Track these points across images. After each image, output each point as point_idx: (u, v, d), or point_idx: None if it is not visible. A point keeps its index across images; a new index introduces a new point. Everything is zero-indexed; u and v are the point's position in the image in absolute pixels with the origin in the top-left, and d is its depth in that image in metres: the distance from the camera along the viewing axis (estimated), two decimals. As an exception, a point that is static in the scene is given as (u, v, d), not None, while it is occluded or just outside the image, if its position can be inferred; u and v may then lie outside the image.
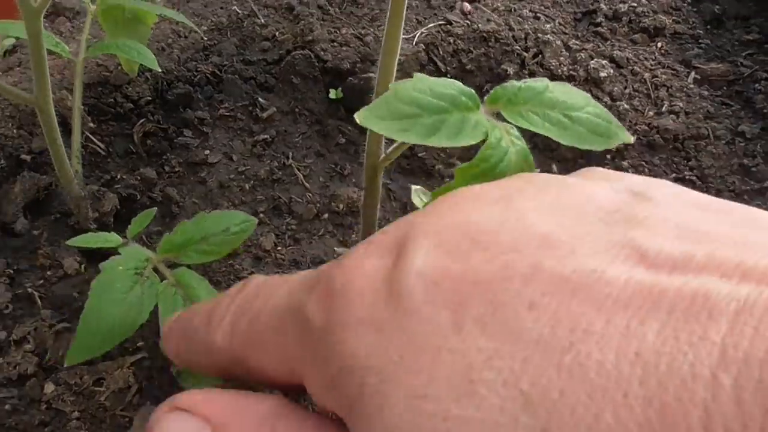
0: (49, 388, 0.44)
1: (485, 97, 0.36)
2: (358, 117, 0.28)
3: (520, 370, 0.19)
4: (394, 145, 0.45)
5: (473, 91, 0.34)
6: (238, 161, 0.64)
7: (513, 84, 0.37)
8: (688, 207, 0.23)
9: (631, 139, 0.37)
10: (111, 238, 0.46)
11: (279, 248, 0.56)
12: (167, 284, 0.41)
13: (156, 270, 0.42)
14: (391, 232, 0.24)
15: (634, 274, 0.20)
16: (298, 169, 0.63)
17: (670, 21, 0.68)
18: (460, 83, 0.34)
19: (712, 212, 0.23)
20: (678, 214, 0.22)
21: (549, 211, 0.23)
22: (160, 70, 0.54)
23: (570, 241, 0.21)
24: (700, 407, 0.16)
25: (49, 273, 0.51)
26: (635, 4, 0.69)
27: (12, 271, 0.51)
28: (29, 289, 0.50)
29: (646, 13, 0.68)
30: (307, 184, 0.62)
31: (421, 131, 0.29)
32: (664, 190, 0.24)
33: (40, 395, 0.43)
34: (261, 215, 0.59)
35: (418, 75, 0.32)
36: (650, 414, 0.17)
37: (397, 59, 0.44)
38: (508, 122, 0.35)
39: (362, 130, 0.67)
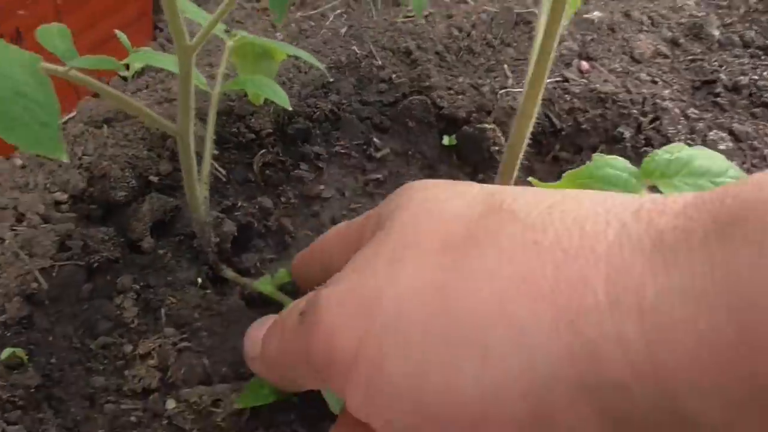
0: (171, 404, 0.46)
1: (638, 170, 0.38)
2: None
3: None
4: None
5: (637, 170, 0.36)
6: (350, 198, 0.66)
7: (662, 156, 0.39)
8: None
9: None
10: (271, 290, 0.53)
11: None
12: None
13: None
14: None
15: None
16: (407, 212, 0.64)
17: (793, 96, 0.67)
18: (628, 163, 0.36)
19: None
20: None
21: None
22: (291, 109, 0.56)
23: None
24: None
25: (172, 292, 0.54)
26: (756, 77, 0.69)
27: (138, 287, 0.54)
28: (154, 307, 0.53)
29: (768, 87, 0.68)
30: (414, 227, 0.63)
31: None
32: None
33: (162, 410, 0.46)
34: (368, 253, 0.61)
35: (596, 158, 0.33)
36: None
37: (537, 108, 0.45)
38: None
39: (473, 179, 0.68)
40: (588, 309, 0.21)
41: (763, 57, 0.72)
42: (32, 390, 0.45)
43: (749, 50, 0.74)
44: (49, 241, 0.53)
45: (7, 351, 0.44)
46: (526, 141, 0.45)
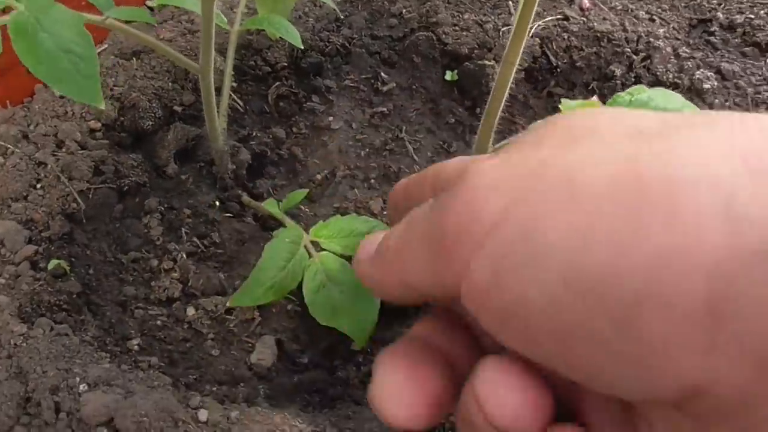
0: (191, 311, 0.53)
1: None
2: None
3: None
4: (501, 143, 0.51)
5: None
6: (357, 129, 0.71)
7: (623, 98, 0.43)
8: None
9: None
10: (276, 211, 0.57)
11: (385, 212, 0.64)
12: (313, 261, 0.49)
13: (305, 247, 0.50)
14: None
15: None
16: (410, 143, 0.70)
17: (784, 37, 0.70)
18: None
19: None
20: None
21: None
22: (302, 48, 0.61)
23: None
24: None
25: (192, 214, 0.61)
26: (752, 16, 0.71)
27: (163, 209, 0.61)
28: (176, 226, 0.59)
29: (762, 27, 0.70)
30: (416, 157, 0.69)
31: None
32: None
33: (183, 316, 0.53)
34: (372, 181, 0.67)
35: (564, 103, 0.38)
36: None
37: (522, 48, 0.49)
38: None
39: (471, 113, 0.73)
40: None
41: (761, -4, 0.74)
42: (74, 296, 0.52)
43: (749, -11, 0.76)
44: (86, 166, 0.60)
45: (53, 262, 0.52)
46: (509, 86, 0.50)
